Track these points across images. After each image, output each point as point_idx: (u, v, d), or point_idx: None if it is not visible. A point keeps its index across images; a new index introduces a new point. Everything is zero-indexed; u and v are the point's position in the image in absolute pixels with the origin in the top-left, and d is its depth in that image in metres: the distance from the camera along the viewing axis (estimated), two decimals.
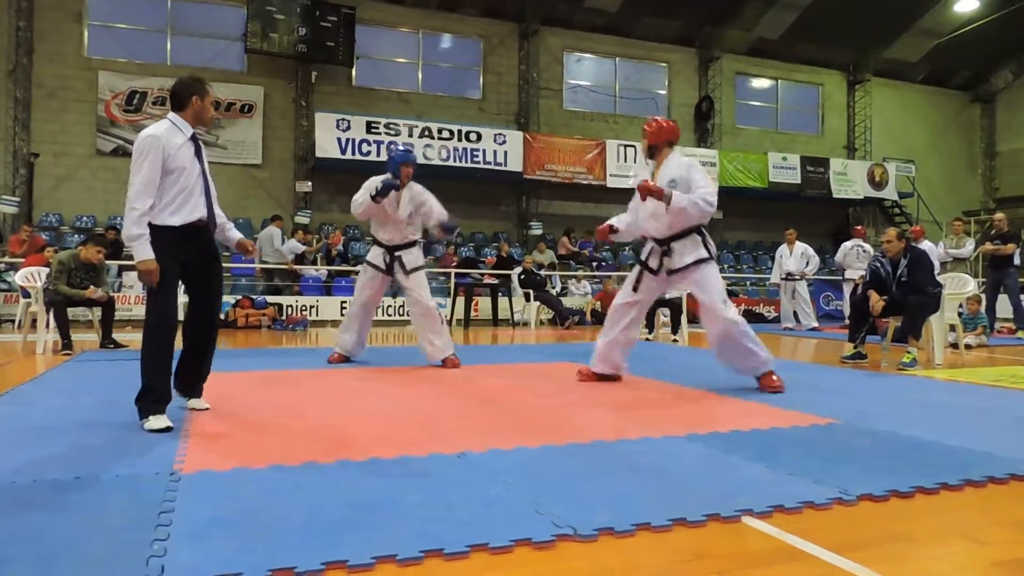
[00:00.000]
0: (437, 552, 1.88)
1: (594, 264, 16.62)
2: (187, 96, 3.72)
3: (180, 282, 3.71)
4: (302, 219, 15.70)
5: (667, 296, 9.48)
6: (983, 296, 10.04)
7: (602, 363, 5.19)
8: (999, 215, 11.44)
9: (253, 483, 2.49)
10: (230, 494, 2.35)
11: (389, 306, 13.14)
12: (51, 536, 1.95)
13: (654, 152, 5.33)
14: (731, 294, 15.11)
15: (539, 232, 17.25)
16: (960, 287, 7.89)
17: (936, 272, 7.13)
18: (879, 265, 6.72)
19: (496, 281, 13.11)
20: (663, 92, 19.55)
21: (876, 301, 6.47)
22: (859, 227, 14.08)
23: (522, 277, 13.14)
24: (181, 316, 3.76)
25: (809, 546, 2.00)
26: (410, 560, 1.84)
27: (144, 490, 2.39)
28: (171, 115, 3.75)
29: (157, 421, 3.35)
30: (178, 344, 3.69)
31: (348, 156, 15.04)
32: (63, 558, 1.80)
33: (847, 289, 12.22)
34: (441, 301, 13.63)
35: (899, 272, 6.49)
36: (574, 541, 2.00)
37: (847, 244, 12.26)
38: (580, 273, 15.63)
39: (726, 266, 18.19)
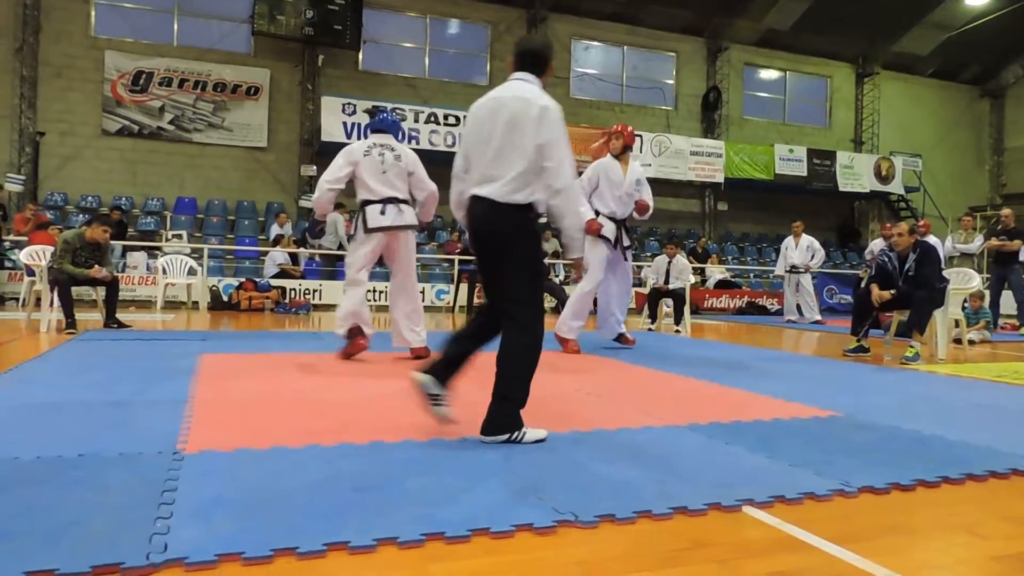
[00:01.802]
0: (438, 535, 1.89)
1: None
2: (550, 59, 3.17)
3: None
4: (306, 203, 15.70)
5: (670, 287, 9.48)
6: (986, 292, 10.02)
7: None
8: (1006, 211, 11.40)
9: (255, 464, 2.50)
10: (232, 474, 2.36)
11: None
12: (54, 512, 1.96)
13: (625, 152, 6.62)
14: (734, 286, 15.13)
15: (543, 220, 17.22)
16: (965, 282, 7.87)
17: (942, 266, 7.12)
18: (886, 259, 6.70)
19: None
20: (671, 82, 19.46)
21: (878, 293, 6.45)
22: (888, 224, 14.02)
23: None
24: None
25: (809, 537, 2.00)
26: (412, 543, 1.85)
27: (147, 469, 2.40)
28: (532, 77, 3.11)
29: (535, 432, 2.98)
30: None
31: (354, 140, 14.97)
32: (66, 534, 1.81)
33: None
34: (444, 288, 13.65)
35: (907, 266, 6.47)
36: (575, 527, 2.01)
37: (878, 242, 12.18)
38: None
39: (730, 257, 18.17)
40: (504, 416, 2.93)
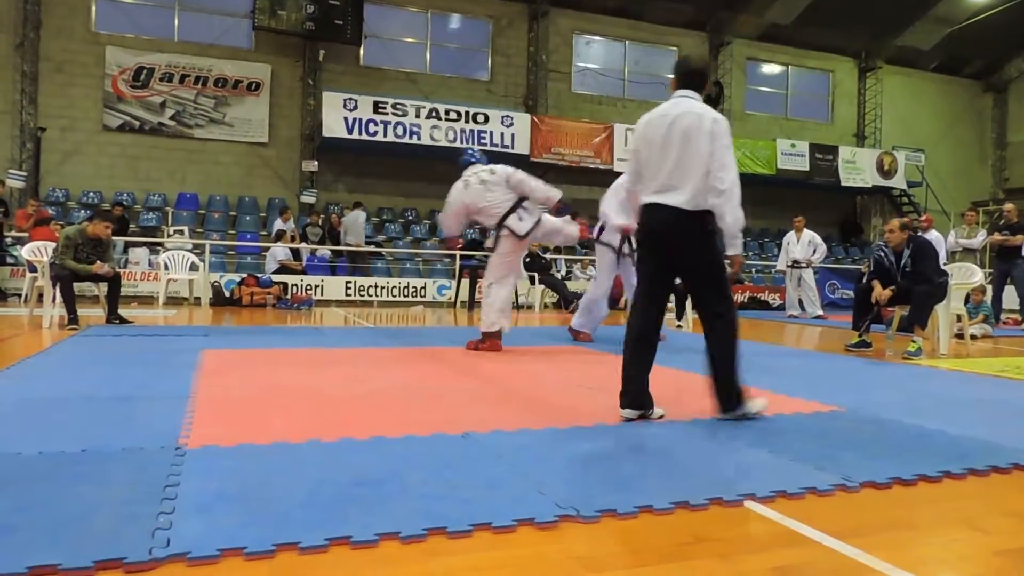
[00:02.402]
0: (440, 530, 1.89)
1: None
2: (708, 76, 3.62)
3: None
4: (308, 199, 15.71)
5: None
6: (988, 287, 10.01)
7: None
8: (1008, 206, 11.37)
9: (257, 458, 2.50)
10: (235, 469, 2.37)
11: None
12: (57, 507, 1.97)
13: None
14: (736, 281, 15.11)
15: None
16: (967, 277, 7.86)
17: (942, 261, 7.11)
18: (883, 255, 6.69)
19: None
20: (672, 76, 19.40)
21: (880, 291, 6.45)
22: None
23: (527, 260, 13.13)
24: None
25: (811, 531, 2.00)
26: (413, 537, 1.85)
27: (149, 464, 2.40)
28: (695, 94, 3.45)
29: (757, 402, 3.37)
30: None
31: (355, 136, 15.00)
32: (69, 529, 1.82)
33: None
34: (445, 283, 13.66)
35: (903, 262, 6.47)
36: (576, 522, 2.01)
37: None
38: (585, 257, 15.61)
39: None
40: (739, 393, 3.31)
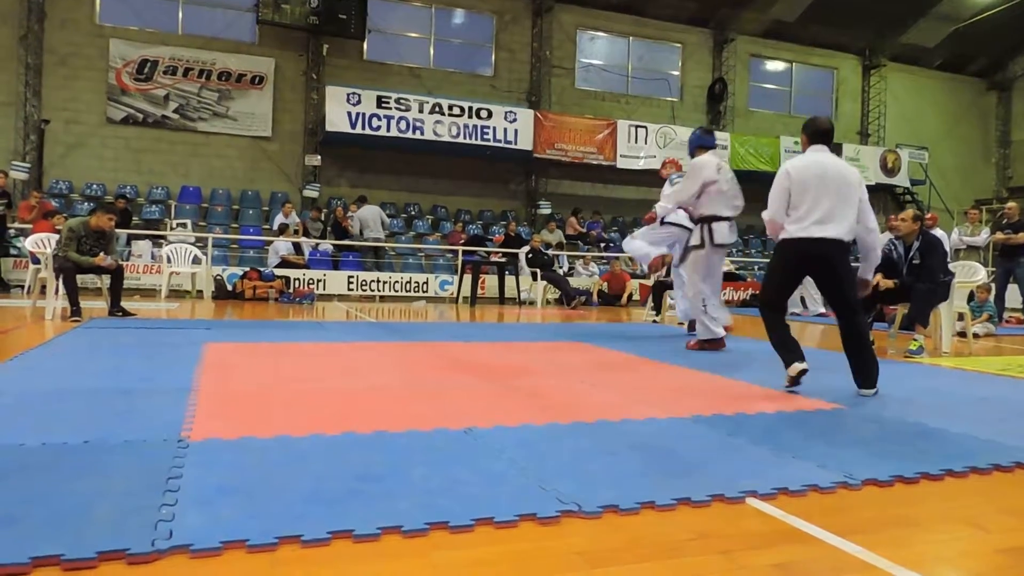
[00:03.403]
0: (442, 525, 1.89)
1: (602, 245, 16.59)
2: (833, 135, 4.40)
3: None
4: (311, 193, 15.71)
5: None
6: (992, 285, 9.99)
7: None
8: (1011, 204, 11.35)
9: (260, 452, 2.50)
10: (237, 462, 2.37)
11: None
12: (60, 499, 1.97)
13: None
14: (738, 278, 15.10)
15: (547, 211, 17.22)
16: (970, 275, 7.84)
17: (947, 260, 7.08)
18: (892, 248, 6.67)
19: (503, 259, 13.10)
20: (676, 73, 19.39)
21: (881, 280, 6.42)
22: (893, 216, 14.00)
23: (530, 256, 13.14)
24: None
25: (813, 528, 2.00)
26: (415, 532, 1.85)
27: (152, 456, 2.41)
28: (827, 148, 4.29)
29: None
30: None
31: (358, 130, 15.00)
32: (72, 520, 1.82)
33: None
34: (447, 278, 13.66)
35: (911, 255, 6.44)
36: (578, 517, 2.01)
37: (885, 235, 12.13)
38: (588, 254, 15.61)
39: (734, 250, 18.12)
40: (878, 373, 4.08)
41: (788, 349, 4.10)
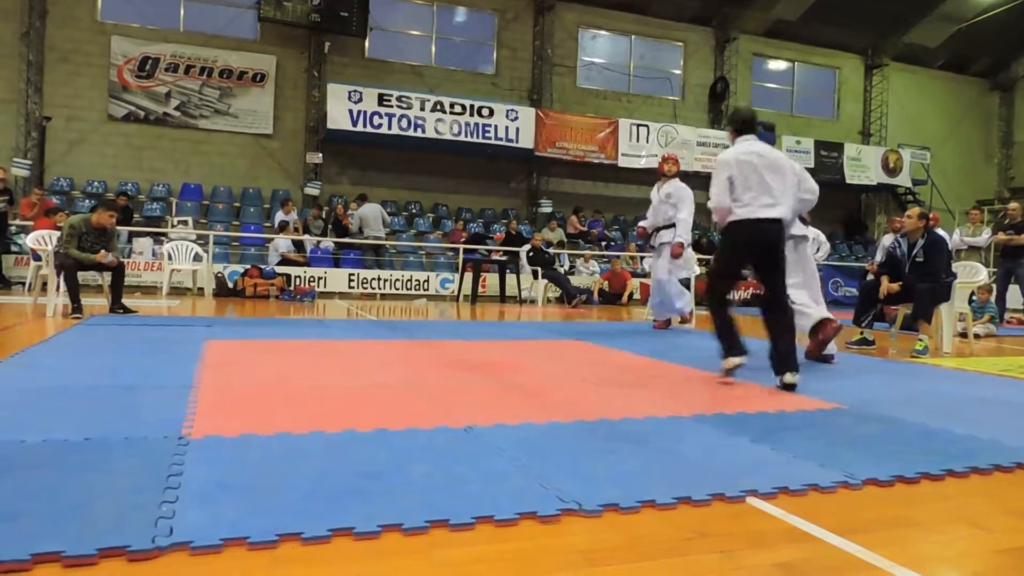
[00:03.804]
0: (443, 523, 1.89)
1: (603, 243, 16.59)
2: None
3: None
4: (312, 191, 15.71)
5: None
6: (993, 286, 9.99)
7: None
8: (1013, 205, 11.33)
9: (261, 449, 2.50)
10: (238, 459, 2.37)
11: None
12: (60, 495, 1.97)
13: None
14: (740, 277, 15.08)
15: (548, 210, 17.21)
16: (972, 276, 7.84)
17: (951, 260, 7.08)
18: (896, 246, 6.66)
19: (504, 258, 13.10)
20: (678, 72, 19.37)
21: (887, 286, 6.43)
22: (895, 218, 13.95)
23: (531, 254, 13.13)
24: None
25: (813, 528, 2.00)
26: (416, 529, 1.85)
27: (152, 453, 2.41)
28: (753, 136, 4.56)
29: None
30: None
31: (359, 128, 14.99)
32: (72, 517, 1.82)
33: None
34: (448, 276, 13.66)
35: (915, 252, 6.43)
36: (579, 516, 2.01)
37: (888, 236, 12.07)
38: (588, 252, 15.60)
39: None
40: (795, 357, 4.17)
41: (728, 341, 4.24)
